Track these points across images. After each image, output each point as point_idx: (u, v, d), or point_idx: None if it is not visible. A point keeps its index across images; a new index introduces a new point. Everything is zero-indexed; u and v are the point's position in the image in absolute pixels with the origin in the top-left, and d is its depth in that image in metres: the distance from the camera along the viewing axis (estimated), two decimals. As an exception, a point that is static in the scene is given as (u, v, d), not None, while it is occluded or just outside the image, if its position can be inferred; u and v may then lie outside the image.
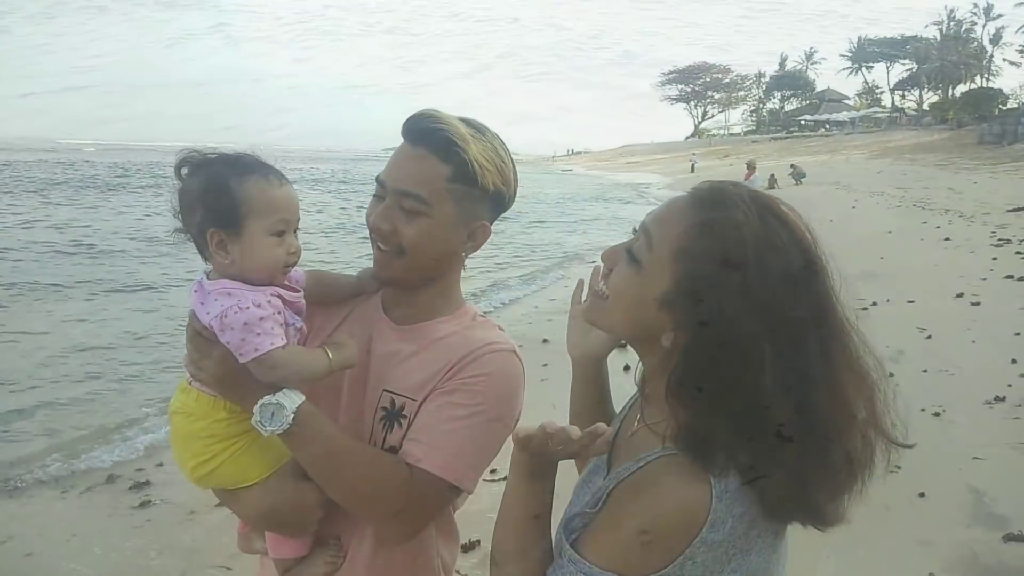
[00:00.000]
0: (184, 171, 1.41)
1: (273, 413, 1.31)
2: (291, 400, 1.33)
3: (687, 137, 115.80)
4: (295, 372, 1.35)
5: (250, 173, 1.39)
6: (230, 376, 1.34)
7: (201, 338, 1.36)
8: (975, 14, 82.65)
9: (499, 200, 1.54)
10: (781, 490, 1.07)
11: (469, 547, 4.04)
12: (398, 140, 1.50)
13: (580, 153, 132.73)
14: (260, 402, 1.32)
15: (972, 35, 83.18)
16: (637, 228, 1.24)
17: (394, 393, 1.50)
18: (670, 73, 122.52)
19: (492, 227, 1.57)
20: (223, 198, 1.36)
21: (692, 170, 53.51)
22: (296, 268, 1.52)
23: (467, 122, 1.49)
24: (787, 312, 1.06)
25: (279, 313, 1.38)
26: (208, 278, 1.40)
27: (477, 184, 1.46)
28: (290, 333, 1.42)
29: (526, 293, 12.79)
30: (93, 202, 28.08)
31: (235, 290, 1.34)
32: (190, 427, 1.43)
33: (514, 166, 1.55)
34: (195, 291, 1.39)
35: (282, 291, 1.42)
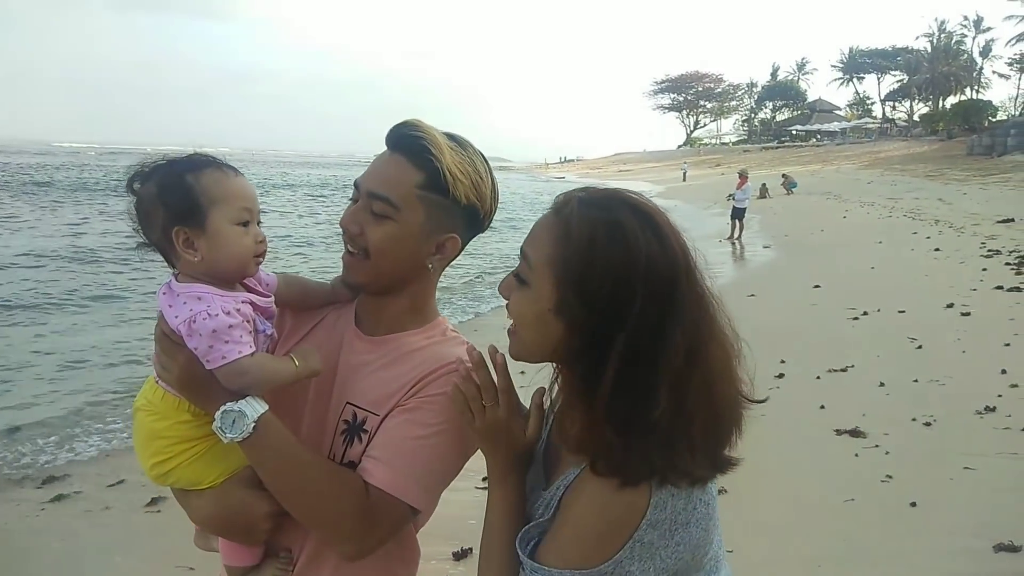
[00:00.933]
0: (136, 184, 1.39)
1: (234, 420, 1.30)
2: (253, 409, 1.31)
3: (679, 146, 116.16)
4: (261, 380, 1.33)
5: (204, 167, 1.39)
6: (194, 380, 1.32)
7: (168, 340, 1.34)
8: (965, 27, 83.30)
9: (472, 215, 1.51)
10: (678, 463, 1.15)
11: (461, 555, 4.03)
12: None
13: (573, 161, 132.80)
14: (222, 408, 1.30)
15: (962, 47, 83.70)
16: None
17: (356, 407, 1.48)
18: (662, 82, 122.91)
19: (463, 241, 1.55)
20: (182, 194, 1.35)
21: (684, 179, 53.73)
22: (269, 273, 1.52)
23: (450, 136, 1.49)
24: (641, 293, 1.13)
25: (248, 321, 1.36)
26: (177, 280, 1.38)
27: (448, 194, 1.45)
28: (260, 340, 1.40)
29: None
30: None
31: (205, 295, 1.32)
32: (153, 425, 1.41)
33: (494, 185, 1.54)
34: (163, 292, 1.36)
35: (254, 297, 1.41)
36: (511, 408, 1.33)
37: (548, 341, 1.22)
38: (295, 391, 1.49)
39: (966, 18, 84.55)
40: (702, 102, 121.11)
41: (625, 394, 1.14)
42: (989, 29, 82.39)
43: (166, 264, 1.42)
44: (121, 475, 5.29)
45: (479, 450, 1.40)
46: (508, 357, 1.33)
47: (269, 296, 1.47)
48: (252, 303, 1.39)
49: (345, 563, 1.47)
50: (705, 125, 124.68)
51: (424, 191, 1.44)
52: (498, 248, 17.65)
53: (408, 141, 1.44)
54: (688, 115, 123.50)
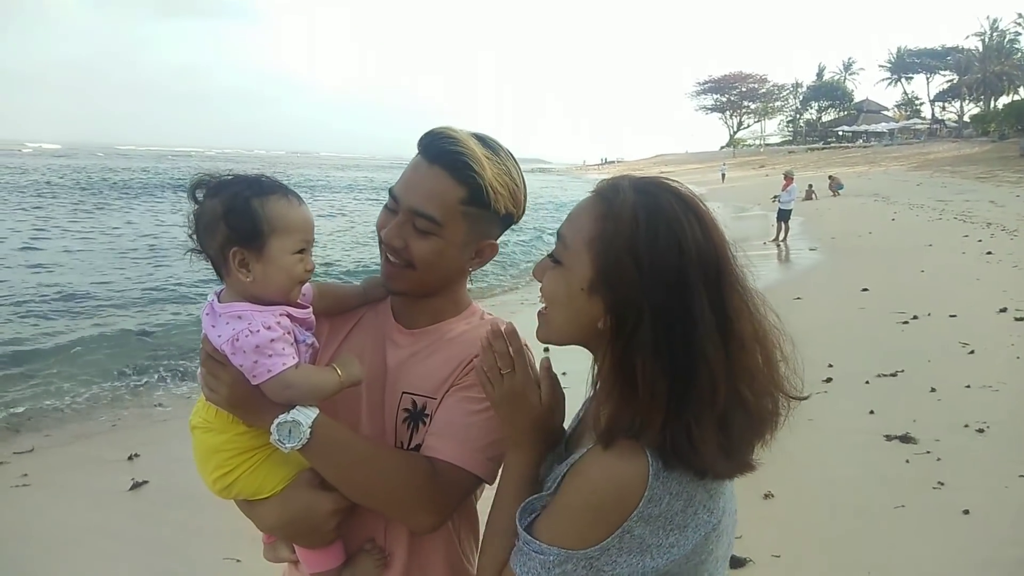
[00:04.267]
0: (200, 193, 1.42)
1: (291, 431, 1.34)
2: (306, 416, 1.35)
3: (722, 147, 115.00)
4: (306, 391, 1.36)
5: (271, 193, 1.41)
6: (243, 398, 1.36)
7: (213, 361, 1.37)
8: (1019, 24, 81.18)
9: (508, 221, 1.58)
10: (695, 450, 1.14)
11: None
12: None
13: (614, 162, 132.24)
14: (276, 421, 1.34)
15: (1016, 46, 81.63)
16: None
17: (414, 394, 1.53)
18: (706, 83, 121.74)
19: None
20: (248, 218, 1.38)
21: (722, 180, 53.16)
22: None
23: (482, 140, 1.51)
24: (680, 282, 1.14)
25: (289, 333, 1.39)
26: (220, 299, 1.42)
27: (490, 208, 1.49)
28: (301, 350, 1.43)
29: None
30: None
31: (245, 312, 1.36)
32: (211, 441, 1.45)
33: (525, 185, 1.58)
34: (207, 313, 1.40)
35: (291, 309, 1.43)
36: (526, 372, 1.35)
37: (578, 321, 1.24)
38: (348, 394, 1.52)
39: (1020, 15, 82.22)
40: (746, 103, 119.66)
41: (662, 376, 1.14)
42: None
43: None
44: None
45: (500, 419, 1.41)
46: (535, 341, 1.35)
47: (307, 307, 1.50)
48: (289, 315, 1.42)
49: (421, 542, 1.54)
50: (749, 126, 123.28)
51: (467, 206, 1.47)
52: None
53: (448, 156, 1.45)
54: (731, 116, 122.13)
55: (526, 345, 1.37)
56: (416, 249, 1.48)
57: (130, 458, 5.61)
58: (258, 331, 1.33)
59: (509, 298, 12.60)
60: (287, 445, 1.34)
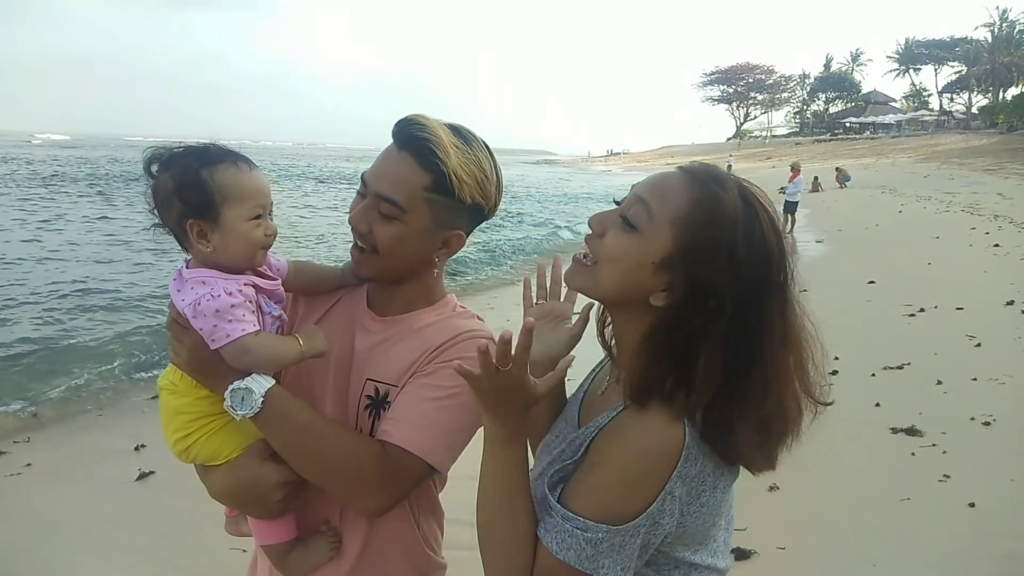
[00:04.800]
0: (154, 168, 1.44)
1: (243, 398, 1.35)
2: (260, 384, 1.36)
3: (729, 138, 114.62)
4: (264, 358, 1.38)
5: (220, 162, 1.42)
6: (202, 362, 1.38)
7: (177, 325, 1.40)
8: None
9: (477, 212, 1.56)
10: (733, 439, 1.19)
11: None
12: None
13: (619, 154, 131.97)
14: (231, 387, 1.36)
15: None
16: (621, 200, 1.31)
17: (377, 381, 1.54)
18: (712, 74, 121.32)
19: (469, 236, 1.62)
20: (198, 190, 1.39)
21: (729, 171, 52.81)
22: (279, 258, 1.57)
23: (456, 130, 1.52)
24: (763, 284, 1.19)
25: (251, 301, 1.41)
26: (188, 267, 1.44)
27: (454, 196, 1.49)
28: (267, 321, 1.45)
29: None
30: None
31: (209, 279, 1.38)
32: (175, 402, 1.47)
33: (499, 180, 1.58)
34: (174, 279, 1.43)
35: (257, 279, 1.45)
36: (523, 369, 1.22)
37: (630, 287, 1.24)
38: (314, 376, 1.56)
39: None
40: (752, 94, 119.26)
41: (721, 368, 1.17)
42: (1054, 18, 79.64)
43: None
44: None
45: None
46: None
47: (276, 280, 1.51)
48: (256, 285, 1.44)
49: (378, 524, 1.55)
50: (755, 117, 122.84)
51: (431, 193, 1.48)
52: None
53: (415, 142, 1.47)
54: (738, 107, 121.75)
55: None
56: (379, 234, 1.50)
57: (136, 448, 5.62)
58: (219, 296, 1.35)
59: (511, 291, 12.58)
60: (238, 412, 1.36)
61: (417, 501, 1.61)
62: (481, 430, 1.32)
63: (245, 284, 1.41)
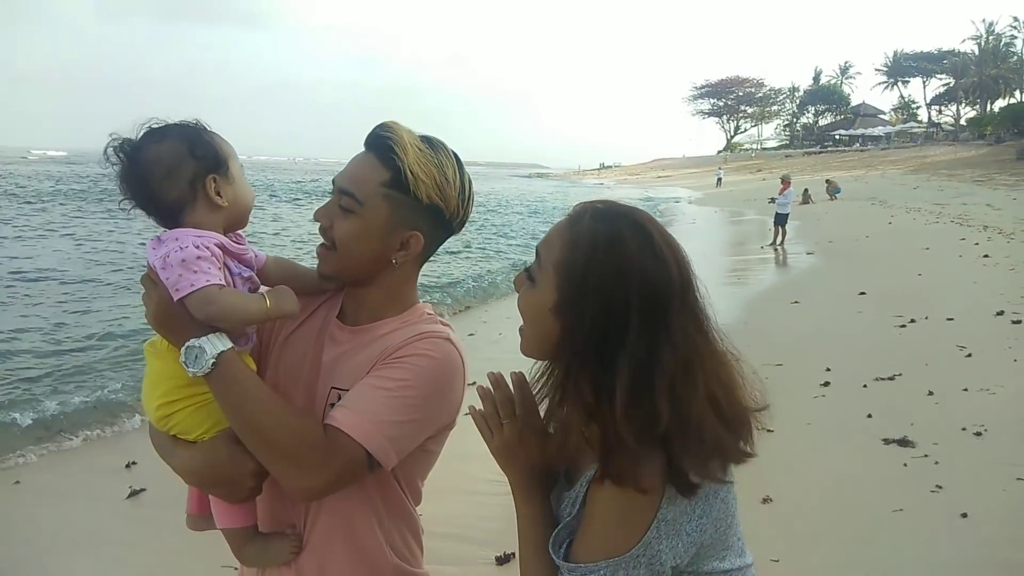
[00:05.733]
0: (128, 149, 1.43)
1: (196, 356, 1.36)
2: (213, 345, 1.37)
3: (719, 151, 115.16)
4: (227, 309, 1.37)
5: (202, 127, 1.50)
6: (168, 316, 1.39)
7: (148, 279, 1.41)
8: (1015, 27, 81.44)
9: (436, 214, 1.57)
10: (684, 469, 1.20)
11: (504, 559, 4.04)
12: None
13: (611, 167, 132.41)
14: (187, 344, 1.37)
15: (1012, 49, 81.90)
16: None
17: (340, 389, 1.54)
18: (702, 87, 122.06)
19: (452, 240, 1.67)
20: (210, 146, 1.46)
21: (718, 184, 53.17)
22: (258, 251, 1.59)
23: (425, 138, 1.57)
24: (626, 303, 1.19)
25: (218, 258, 1.41)
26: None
27: (410, 193, 1.52)
28: (236, 282, 1.47)
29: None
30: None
31: (181, 235, 1.40)
32: (163, 368, 1.46)
33: (465, 188, 1.60)
34: (151, 240, 1.44)
35: (223, 239, 1.46)
36: (527, 421, 1.38)
37: (547, 339, 1.28)
38: (288, 386, 1.58)
39: (1016, 19, 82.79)
40: (743, 107, 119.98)
41: (630, 405, 1.18)
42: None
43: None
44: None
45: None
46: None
47: (244, 245, 1.53)
48: (222, 245, 1.45)
49: (352, 535, 1.55)
50: (746, 130, 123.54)
51: (388, 189, 1.52)
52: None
53: (378, 141, 1.53)
54: (728, 120, 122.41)
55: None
56: (338, 229, 1.54)
57: (128, 466, 5.59)
58: (187, 247, 1.37)
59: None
60: (191, 369, 1.36)
61: (386, 510, 1.60)
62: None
63: (215, 243, 1.42)
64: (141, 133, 1.45)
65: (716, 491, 1.27)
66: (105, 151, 1.44)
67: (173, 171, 1.43)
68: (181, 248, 1.36)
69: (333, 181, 1.58)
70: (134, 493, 5.12)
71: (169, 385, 1.46)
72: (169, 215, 1.45)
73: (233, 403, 1.40)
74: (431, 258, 1.69)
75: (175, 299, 1.36)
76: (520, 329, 1.35)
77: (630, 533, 1.21)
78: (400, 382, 1.47)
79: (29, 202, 31.04)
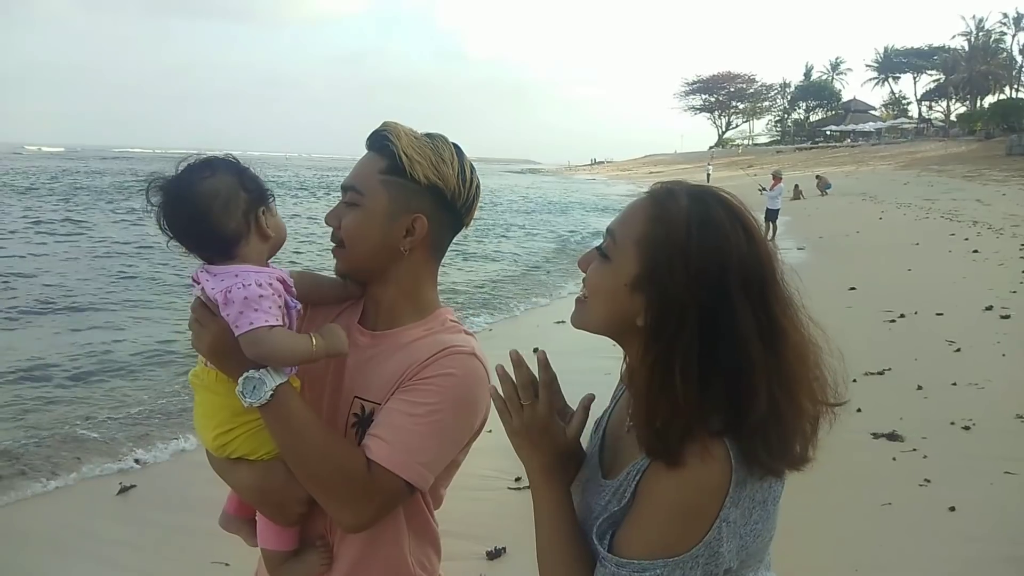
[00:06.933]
0: (202, 180, 1.43)
1: (255, 387, 1.38)
2: (272, 378, 1.39)
3: (711, 147, 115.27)
4: (274, 351, 1.39)
5: (237, 160, 1.52)
6: (224, 349, 1.40)
7: (204, 309, 1.42)
8: (1004, 24, 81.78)
9: (438, 194, 1.57)
10: (756, 452, 1.17)
11: (495, 554, 4.05)
12: None
13: (603, 163, 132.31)
14: (244, 375, 1.38)
15: (1001, 45, 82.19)
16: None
17: (364, 400, 1.55)
18: (694, 83, 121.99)
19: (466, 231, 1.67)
20: (255, 177, 1.49)
21: (707, 179, 53.16)
22: (283, 269, 1.58)
23: (426, 134, 1.60)
24: (721, 282, 1.17)
25: (279, 296, 1.43)
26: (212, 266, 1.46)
27: (407, 175, 1.53)
28: (292, 315, 1.48)
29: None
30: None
31: (242, 271, 1.41)
32: (213, 399, 1.48)
33: (465, 170, 1.60)
34: (201, 272, 1.44)
35: (284, 274, 1.49)
36: (551, 404, 1.33)
37: (616, 314, 1.26)
38: (314, 390, 1.57)
39: (1005, 15, 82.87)
40: (734, 103, 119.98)
41: (707, 381, 1.16)
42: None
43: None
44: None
45: (515, 451, 1.37)
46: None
47: (290, 279, 1.54)
48: (283, 280, 1.47)
49: (376, 546, 1.55)
50: (737, 126, 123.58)
51: (386, 175, 1.54)
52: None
53: (377, 137, 1.57)
54: (720, 116, 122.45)
55: (555, 377, 1.36)
56: (344, 225, 1.57)
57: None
58: (249, 285, 1.38)
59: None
60: (247, 400, 1.38)
61: (409, 523, 1.59)
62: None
63: (275, 279, 1.44)
64: (183, 168, 1.45)
65: (776, 498, 1.25)
66: (146, 191, 1.43)
67: (230, 204, 1.44)
68: (244, 285, 1.38)
69: (342, 186, 1.61)
70: (124, 489, 5.11)
71: (224, 415, 1.47)
72: (223, 248, 1.45)
73: (288, 435, 1.42)
74: (443, 261, 1.69)
75: (236, 335, 1.37)
76: (579, 301, 1.33)
77: (690, 531, 1.15)
78: (428, 406, 1.47)
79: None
